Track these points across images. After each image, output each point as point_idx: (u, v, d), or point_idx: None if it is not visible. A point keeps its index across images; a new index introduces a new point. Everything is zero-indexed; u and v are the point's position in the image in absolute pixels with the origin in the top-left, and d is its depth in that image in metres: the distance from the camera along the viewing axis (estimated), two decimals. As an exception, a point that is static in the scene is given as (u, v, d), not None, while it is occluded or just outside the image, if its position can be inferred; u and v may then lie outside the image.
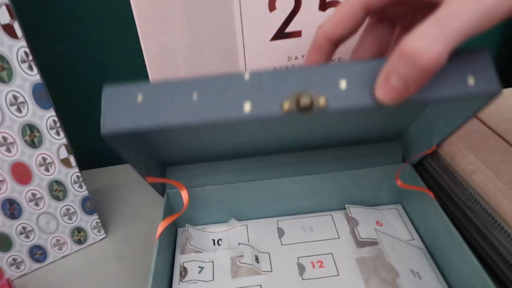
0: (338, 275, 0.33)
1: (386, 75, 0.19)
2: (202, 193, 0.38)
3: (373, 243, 0.35)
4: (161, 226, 0.33)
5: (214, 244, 0.37)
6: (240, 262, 0.34)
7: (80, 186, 0.38)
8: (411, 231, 0.36)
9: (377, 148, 0.38)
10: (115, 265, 0.40)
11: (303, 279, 0.33)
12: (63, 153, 0.36)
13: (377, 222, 0.37)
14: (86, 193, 0.39)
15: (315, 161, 0.38)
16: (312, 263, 0.34)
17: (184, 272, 0.35)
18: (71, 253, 0.41)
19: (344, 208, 0.38)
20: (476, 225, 0.30)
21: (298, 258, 0.35)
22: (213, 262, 0.35)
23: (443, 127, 0.30)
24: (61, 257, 0.41)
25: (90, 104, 0.54)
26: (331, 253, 0.35)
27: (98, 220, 0.41)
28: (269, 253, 0.36)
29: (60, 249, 0.40)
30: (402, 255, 0.32)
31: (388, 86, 0.19)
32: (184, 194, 0.35)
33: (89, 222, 0.40)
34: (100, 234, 0.42)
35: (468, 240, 0.29)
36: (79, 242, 0.41)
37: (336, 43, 0.23)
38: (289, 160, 0.38)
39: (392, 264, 0.30)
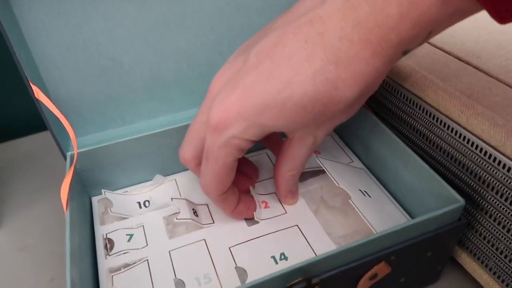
0: (286, 213, 0.30)
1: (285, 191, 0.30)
2: (115, 149, 0.31)
3: (314, 173, 0.33)
4: (64, 191, 0.26)
5: (140, 207, 0.32)
6: (176, 219, 0.29)
7: None
8: (349, 153, 0.35)
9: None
10: (15, 258, 0.32)
11: (249, 225, 0.30)
12: None
13: (315, 151, 0.35)
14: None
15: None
16: (257, 205, 0.31)
17: (109, 244, 0.29)
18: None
19: (279, 143, 0.35)
20: (418, 129, 0.29)
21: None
22: (143, 226, 0.30)
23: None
24: None
25: None
26: (274, 192, 0.32)
27: (-18, 208, 0.32)
28: (207, 204, 0.31)
29: None
30: (348, 177, 0.30)
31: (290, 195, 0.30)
32: (69, 130, 0.28)
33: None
34: (-12, 224, 0.33)
35: (411, 148, 0.29)
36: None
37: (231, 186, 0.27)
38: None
39: (342, 187, 0.28)
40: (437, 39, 0.32)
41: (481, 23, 0.32)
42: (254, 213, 0.29)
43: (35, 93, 0.27)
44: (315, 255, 0.26)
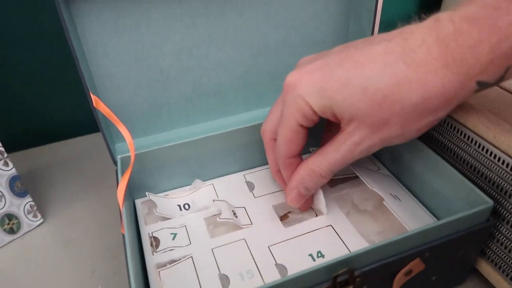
0: (318, 216, 0.32)
1: (294, 187, 0.29)
2: (157, 154, 0.34)
3: (345, 179, 0.35)
4: (120, 191, 0.28)
5: (180, 210, 0.34)
6: (219, 218, 0.31)
7: (6, 164, 0.31)
8: (375, 162, 0.37)
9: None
10: (59, 251, 0.35)
11: (285, 226, 0.31)
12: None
13: (344, 159, 0.37)
14: (14, 171, 0.31)
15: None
16: (291, 209, 0.33)
17: (155, 241, 0.31)
18: (2, 246, 0.34)
19: (310, 152, 0.37)
20: (444, 144, 0.31)
21: (274, 207, 0.33)
22: (185, 226, 0.32)
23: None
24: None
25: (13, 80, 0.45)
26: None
27: (33, 203, 0.34)
28: (244, 207, 0.33)
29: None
30: (379, 182, 0.32)
31: (295, 194, 0.29)
32: (127, 135, 0.30)
33: (21, 206, 0.33)
34: (37, 219, 0.35)
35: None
36: (11, 231, 0.33)
37: (297, 156, 0.29)
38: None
39: (375, 190, 0.30)
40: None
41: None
42: (320, 205, 0.31)
43: (94, 102, 0.29)
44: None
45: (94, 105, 0.29)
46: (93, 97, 0.29)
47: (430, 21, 0.22)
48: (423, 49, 0.21)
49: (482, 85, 0.21)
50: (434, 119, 0.23)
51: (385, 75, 0.22)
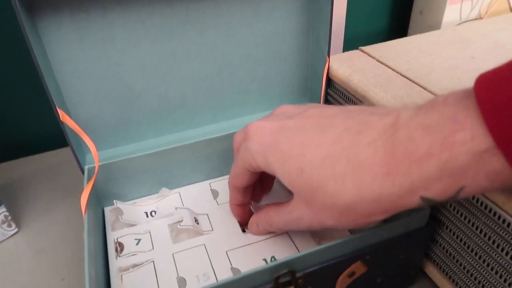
0: (277, 221, 0.34)
1: (254, 222, 0.31)
2: (125, 164, 0.35)
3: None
4: (83, 199, 0.30)
5: (147, 217, 0.35)
6: (180, 225, 0.33)
7: (-22, 176, 0.32)
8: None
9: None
10: (32, 258, 0.36)
11: (245, 232, 0.33)
12: None
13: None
14: (-14, 182, 0.33)
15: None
16: (252, 215, 0.35)
17: (119, 246, 0.32)
18: (-25, 256, 0.35)
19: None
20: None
21: (236, 213, 0.35)
22: (150, 232, 0.34)
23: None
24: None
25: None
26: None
27: (7, 213, 0.36)
28: (207, 214, 0.35)
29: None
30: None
31: (254, 228, 0.31)
32: (92, 147, 0.32)
33: (-5, 216, 0.35)
34: (11, 228, 0.37)
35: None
36: (-16, 241, 0.35)
37: (243, 188, 0.30)
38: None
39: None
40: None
41: None
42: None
43: (60, 116, 0.31)
44: (301, 257, 0.30)
45: (61, 119, 0.31)
46: (59, 111, 0.31)
47: (393, 116, 0.20)
48: (369, 149, 0.20)
49: (428, 202, 0.19)
50: (370, 221, 0.22)
51: (323, 165, 0.21)
